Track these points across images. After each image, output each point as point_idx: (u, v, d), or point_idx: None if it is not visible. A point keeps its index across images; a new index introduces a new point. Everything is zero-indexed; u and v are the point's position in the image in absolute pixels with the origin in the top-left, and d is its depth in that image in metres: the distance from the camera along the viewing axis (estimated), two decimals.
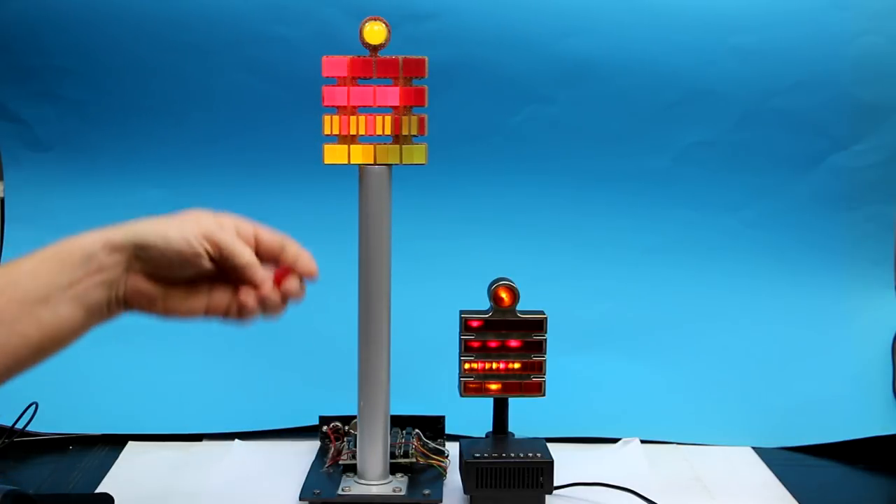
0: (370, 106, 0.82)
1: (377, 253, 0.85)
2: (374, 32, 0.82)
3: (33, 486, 0.92)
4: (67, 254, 0.67)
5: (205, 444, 1.05)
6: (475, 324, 0.90)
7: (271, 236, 0.73)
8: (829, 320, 1.17)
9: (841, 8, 1.13)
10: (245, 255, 0.70)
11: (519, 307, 0.90)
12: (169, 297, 0.70)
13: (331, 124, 0.82)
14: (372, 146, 0.83)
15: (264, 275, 0.71)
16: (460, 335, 0.90)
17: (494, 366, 0.90)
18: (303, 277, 0.73)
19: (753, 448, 1.05)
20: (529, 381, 0.90)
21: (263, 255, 0.73)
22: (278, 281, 0.72)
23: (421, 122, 0.83)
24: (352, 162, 0.83)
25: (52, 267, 0.66)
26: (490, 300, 0.90)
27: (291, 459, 0.98)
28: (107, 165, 1.18)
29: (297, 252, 0.73)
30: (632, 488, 0.90)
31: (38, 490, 0.92)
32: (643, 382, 1.13)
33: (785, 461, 1.02)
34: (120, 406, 1.07)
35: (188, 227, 0.68)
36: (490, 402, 0.92)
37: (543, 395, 0.91)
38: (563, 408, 1.06)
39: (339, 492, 0.87)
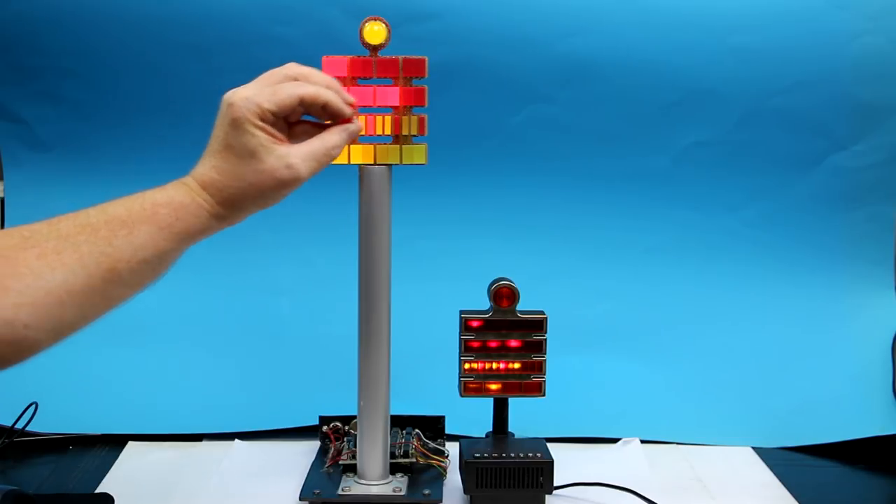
0: (370, 106, 0.82)
1: (377, 253, 0.85)
2: (374, 32, 0.82)
3: (33, 486, 0.92)
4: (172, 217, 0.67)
5: (205, 444, 1.05)
6: (475, 324, 0.90)
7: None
8: (829, 320, 1.17)
9: (841, 8, 1.13)
10: (338, 102, 0.72)
11: (519, 307, 0.90)
12: None
13: None
14: (372, 146, 0.83)
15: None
16: (460, 335, 0.90)
17: (494, 366, 0.90)
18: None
19: (753, 448, 1.05)
20: (529, 381, 0.90)
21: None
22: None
23: (421, 122, 0.83)
24: (352, 162, 0.83)
25: (171, 238, 0.66)
26: (490, 300, 0.90)
27: (291, 459, 0.98)
28: (107, 165, 1.18)
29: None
30: (632, 488, 0.90)
31: (38, 490, 0.92)
32: (643, 382, 1.13)
33: (785, 461, 1.02)
34: (120, 406, 1.08)
35: (271, 164, 0.68)
36: (490, 402, 0.92)
37: (543, 395, 0.91)
38: (563, 408, 1.06)
39: (339, 492, 0.87)
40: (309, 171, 0.69)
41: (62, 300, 0.60)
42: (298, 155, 0.69)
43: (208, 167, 0.69)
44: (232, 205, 0.68)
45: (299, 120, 0.73)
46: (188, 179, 0.68)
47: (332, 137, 0.71)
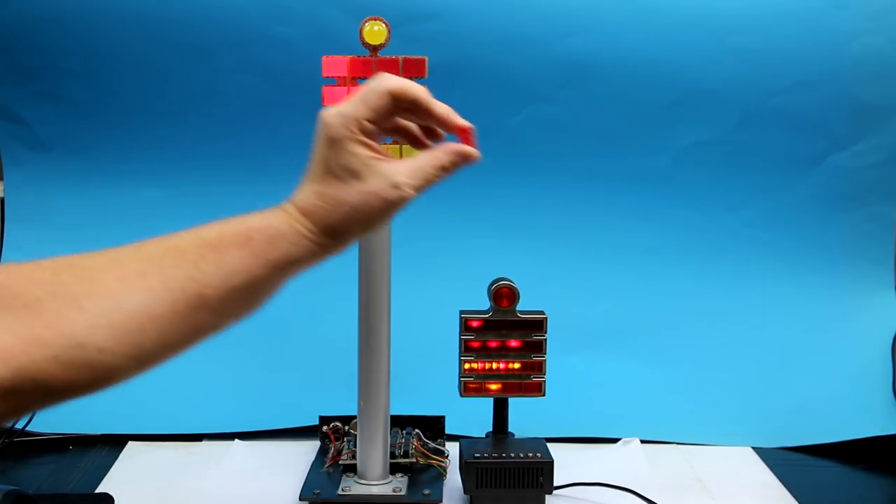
0: None
1: (377, 253, 0.85)
2: (374, 32, 0.82)
3: (33, 486, 0.92)
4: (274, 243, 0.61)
5: (205, 444, 1.05)
6: (475, 324, 0.90)
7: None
8: (829, 320, 1.17)
9: (841, 8, 1.13)
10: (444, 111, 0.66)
11: (519, 307, 0.90)
12: None
13: None
14: None
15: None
16: (460, 335, 0.90)
17: (494, 366, 0.90)
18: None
19: (753, 448, 1.05)
20: (529, 381, 0.90)
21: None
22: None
23: None
24: None
25: (266, 266, 0.61)
26: (490, 300, 0.90)
27: (291, 459, 0.98)
28: (107, 165, 1.18)
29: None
30: (632, 488, 0.90)
31: (38, 490, 0.92)
32: (643, 382, 1.13)
33: (785, 461, 1.02)
34: (120, 406, 1.07)
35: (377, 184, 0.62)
36: (490, 402, 0.92)
37: (543, 395, 0.91)
38: (563, 408, 1.06)
39: (339, 492, 0.87)
40: (416, 190, 0.63)
41: (142, 325, 0.57)
42: (405, 172, 0.63)
43: (309, 192, 0.63)
44: (336, 232, 0.62)
45: (397, 127, 0.68)
46: (288, 206, 0.63)
47: (441, 156, 0.65)
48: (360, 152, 0.62)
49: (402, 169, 0.63)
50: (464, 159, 0.66)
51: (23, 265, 0.58)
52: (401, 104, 0.65)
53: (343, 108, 0.62)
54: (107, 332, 0.56)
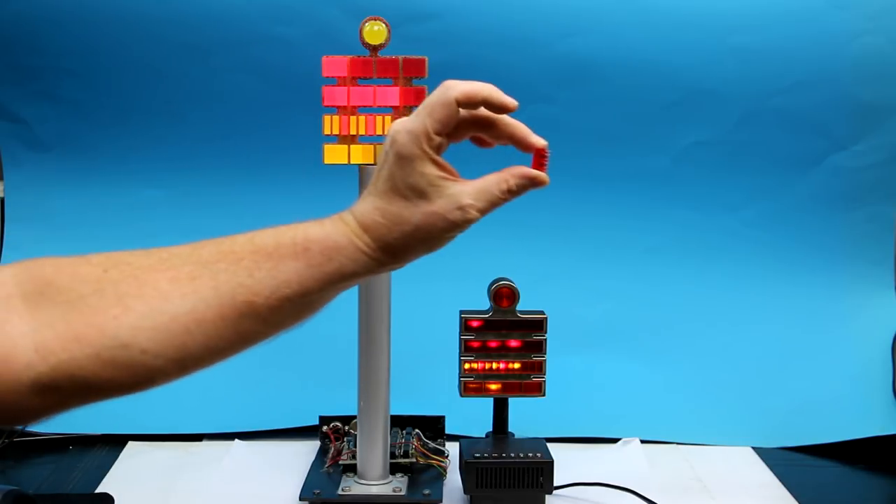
0: (370, 106, 0.82)
1: None
2: (374, 32, 0.82)
3: (33, 486, 0.92)
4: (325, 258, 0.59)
5: (205, 444, 1.05)
6: (475, 324, 0.90)
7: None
8: (829, 320, 1.17)
9: (841, 8, 1.13)
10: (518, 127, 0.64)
11: (519, 307, 0.90)
12: None
13: (331, 124, 0.82)
14: (372, 146, 0.83)
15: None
16: (460, 335, 0.90)
17: (494, 366, 0.90)
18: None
19: (753, 448, 1.05)
20: (529, 381, 0.90)
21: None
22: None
23: None
24: (352, 162, 0.83)
25: (321, 279, 0.60)
26: (490, 300, 0.90)
27: (291, 459, 0.98)
28: (107, 165, 1.18)
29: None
30: (632, 488, 0.90)
31: (38, 490, 0.92)
32: (643, 382, 1.13)
33: (785, 461, 1.02)
34: (120, 406, 1.06)
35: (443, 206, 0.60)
36: (490, 402, 0.92)
37: (543, 395, 0.91)
38: (563, 408, 1.06)
39: (339, 492, 0.87)
40: (481, 213, 0.62)
41: (188, 328, 0.56)
42: (471, 194, 0.61)
43: (371, 208, 0.60)
44: (394, 250, 0.60)
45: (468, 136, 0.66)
46: (348, 217, 0.61)
47: (509, 178, 0.63)
48: (430, 172, 0.60)
49: (468, 190, 0.61)
50: (532, 183, 0.64)
51: (72, 259, 0.57)
52: (469, 111, 0.62)
53: (411, 124, 0.60)
54: (151, 333, 0.55)
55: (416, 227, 0.60)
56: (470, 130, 0.64)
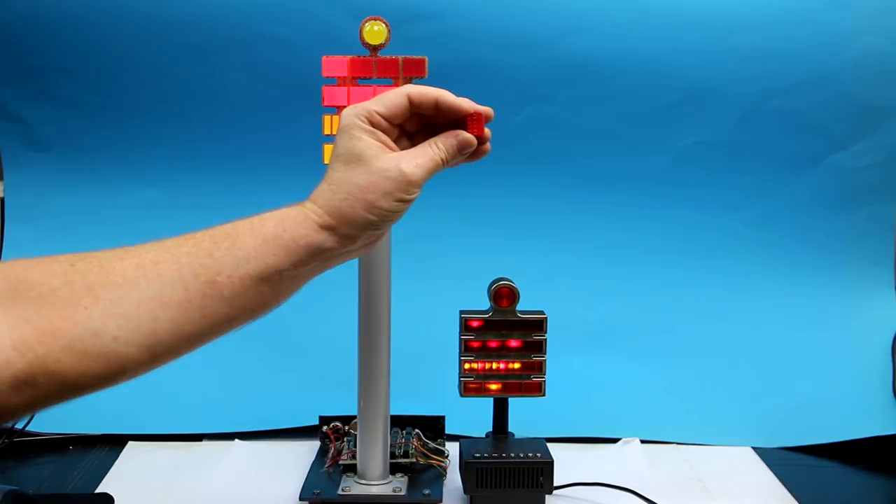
0: None
1: (377, 253, 0.85)
2: (374, 32, 0.82)
3: (33, 486, 0.92)
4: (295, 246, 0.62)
5: (205, 444, 1.05)
6: (475, 324, 0.90)
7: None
8: (829, 320, 1.17)
9: (841, 8, 1.13)
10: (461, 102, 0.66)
11: (519, 307, 0.90)
12: None
13: (331, 124, 0.82)
14: None
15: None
16: (460, 335, 0.90)
17: (494, 366, 0.90)
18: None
19: (753, 448, 1.05)
20: (529, 381, 0.90)
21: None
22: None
23: None
24: None
25: (277, 252, 0.62)
26: (490, 300, 0.90)
27: (291, 459, 0.98)
28: (107, 165, 1.18)
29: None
30: (632, 488, 0.90)
31: (38, 490, 0.92)
32: (643, 382, 1.13)
33: (785, 461, 1.02)
34: (120, 406, 1.07)
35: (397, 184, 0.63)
36: (490, 402, 0.92)
37: (543, 395, 0.91)
38: (563, 408, 1.06)
39: (339, 492, 0.87)
40: (419, 175, 0.64)
41: (155, 313, 0.57)
42: (407, 158, 0.64)
43: (321, 183, 0.65)
44: (341, 214, 0.63)
45: (421, 128, 0.69)
46: (305, 201, 0.65)
47: (442, 140, 0.66)
48: (366, 139, 0.64)
49: (405, 155, 0.65)
50: (460, 145, 0.67)
51: (41, 258, 0.58)
52: (421, 109, 0.66)
53: (359, 104, 0.65)
54: (121, 320, 0.57)
55: (358, 186, 0.63)
56: (418, 121, 0.68)
